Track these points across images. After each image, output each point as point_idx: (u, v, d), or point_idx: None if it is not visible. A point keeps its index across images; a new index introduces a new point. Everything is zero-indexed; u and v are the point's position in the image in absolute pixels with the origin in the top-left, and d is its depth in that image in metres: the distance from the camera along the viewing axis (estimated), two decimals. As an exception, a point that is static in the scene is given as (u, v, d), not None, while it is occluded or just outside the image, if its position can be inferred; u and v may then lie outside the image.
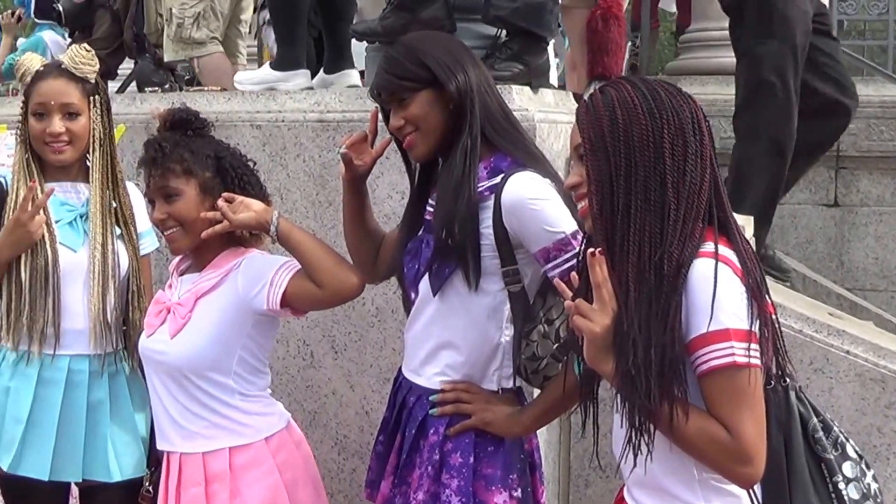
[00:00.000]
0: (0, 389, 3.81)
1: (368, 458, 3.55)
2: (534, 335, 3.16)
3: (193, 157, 3.50)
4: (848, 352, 4.04)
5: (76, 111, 3.82)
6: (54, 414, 3.77)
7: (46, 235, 3.76)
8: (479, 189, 3.13)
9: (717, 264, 2.43)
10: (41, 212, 3.72)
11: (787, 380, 2.67)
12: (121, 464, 3.83)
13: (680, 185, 2.47)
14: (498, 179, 3.13)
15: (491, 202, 3.12)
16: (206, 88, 5.73)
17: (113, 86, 6.89)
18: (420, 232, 3.34)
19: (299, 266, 3.40)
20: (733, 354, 2.41)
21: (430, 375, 3.29)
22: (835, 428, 2.69)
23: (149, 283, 4.02)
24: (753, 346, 2.43)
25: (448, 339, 3.24)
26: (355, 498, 4.36)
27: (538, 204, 3.08)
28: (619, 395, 2.51)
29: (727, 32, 7.26)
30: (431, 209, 3.28)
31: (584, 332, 2.50)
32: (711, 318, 2.41)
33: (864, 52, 10.48)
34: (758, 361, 2.44)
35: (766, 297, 2.52)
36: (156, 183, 3.50)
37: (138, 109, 4.93)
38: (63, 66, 3.85)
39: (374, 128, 3.41)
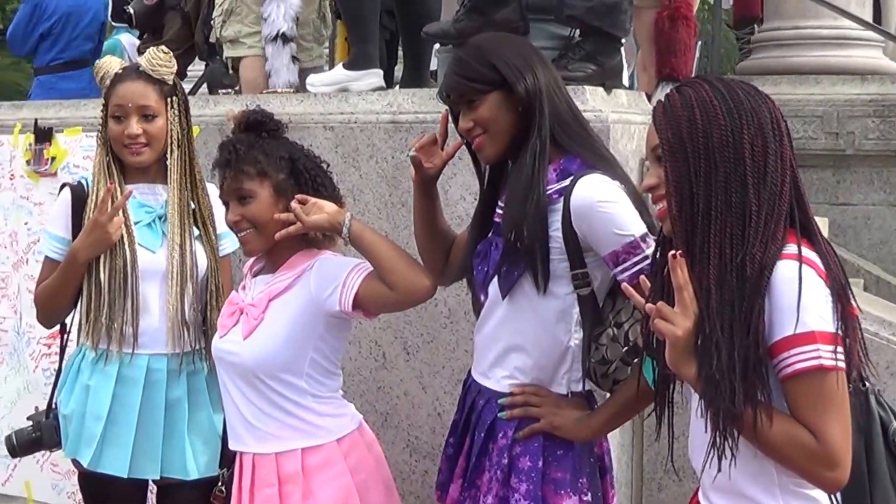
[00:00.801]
0: (80, 387, 3.87)
1: (440, 460, 3.53)
2: (603, 339, 3.13)
3: (267, 159, 3.49)
4: (926, 356, 3.97)
5: (153, 113, 3.85)
6: (133, 412, 3.82)
7: (125, 237, 3.80)
8: (549, 191, 3.11)
9: (801, 266, 2.40)
10: (120, 213, 3.76)
11: (867, 383, 2.64)
12: (197, 462, 3.87)
13: (761, 186, 2.43)
14: (567, 182, 3.11)
15: (560, 205, 3.09)
16: (278, 90, 5.73)
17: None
18: (490, 234, 3.33)
19: (371, 268, 3.39)
20: (820, 357, 2.37)
21: (498, 378, 3.27)
22: None
23: (228, 283, 4.05)
24: (839, 349, 2.39)
25: (517, 342, 3.22)
26: (427, 499, 4.34)
27: (608, 207, 3.04)
28: (702, 400, 2.47)
29: (799, 31, 7.23)
30: (501, 211, 3.26)
31: (667, 335, 2.46)
32: (797, 321, 2.37)
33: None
34: (843, 364, 2.40)
35: (851, 300, 2.48)
36: (229, 185, 3.50)
37: (211, 111, 4.96)
38: (141, 69, 3.89)
39: (445, 130, 3.38)
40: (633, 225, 3.04)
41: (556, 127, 3.15)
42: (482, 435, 3.27)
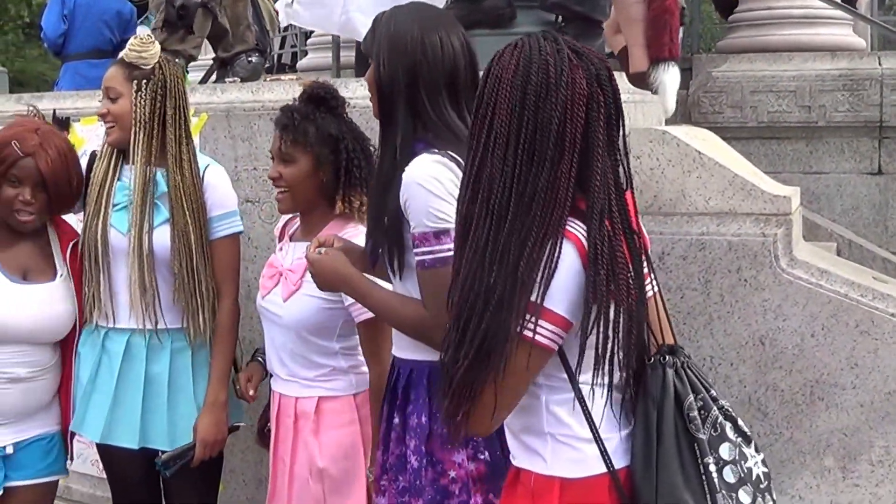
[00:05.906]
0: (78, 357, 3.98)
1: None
2: None
3: (316, 133, 3.62)
4: (893, 314, 3.96)
5: (116, 95, 3.91)
6: (111, 381, 3.89)
7: (101, 221, 3.87)
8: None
9: None
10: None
11: (668, 357, 2.53)
12: (179, 432, 3.93)
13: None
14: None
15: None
16: (283, 78, 5.71)
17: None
18: None
19: None
20: None
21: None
22: (715, 408, 2.50)
23: (227, 265, 4.02)
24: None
25: None
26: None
27: (423, 188, 2.86)
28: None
29: (772, 11, 7.22)
30: None
31: None
32: None
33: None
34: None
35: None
36: (278, 145, 3.66)
37: (219, 98, 4.93)
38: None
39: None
40: (434, 216, 2.85)
41: (423, 114, 2.97)
42: (395, 402, 3.22)
